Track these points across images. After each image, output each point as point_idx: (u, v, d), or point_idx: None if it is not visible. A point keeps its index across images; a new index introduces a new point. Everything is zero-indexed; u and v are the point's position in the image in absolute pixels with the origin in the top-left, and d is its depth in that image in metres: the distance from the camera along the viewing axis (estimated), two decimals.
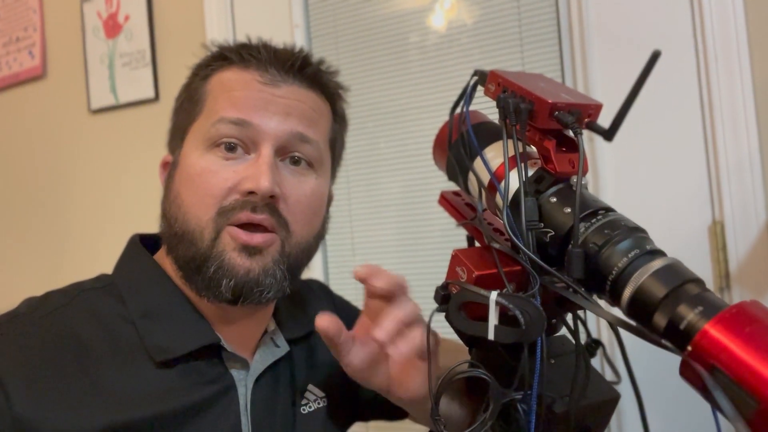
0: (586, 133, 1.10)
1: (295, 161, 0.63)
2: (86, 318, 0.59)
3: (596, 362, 0.99)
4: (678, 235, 1.00)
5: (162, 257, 0.66)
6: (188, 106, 0.66)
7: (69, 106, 1.59)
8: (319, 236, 0.68)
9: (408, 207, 1.24)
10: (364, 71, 1.28)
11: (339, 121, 0.72)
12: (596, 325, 1.02)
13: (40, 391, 0.53)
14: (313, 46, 1.33)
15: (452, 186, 0.62)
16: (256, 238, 0.59)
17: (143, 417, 0.55)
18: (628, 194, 1.04)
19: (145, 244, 0.68)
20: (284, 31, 1.32)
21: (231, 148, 0.61)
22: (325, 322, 0.53)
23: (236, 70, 0.64)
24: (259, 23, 1.35)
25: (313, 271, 1.30)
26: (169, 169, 0.66)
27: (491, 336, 0.43)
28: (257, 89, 0.62)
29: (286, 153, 0.63)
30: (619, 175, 1.05)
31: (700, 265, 0.98)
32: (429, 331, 0.49)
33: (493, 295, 0.42)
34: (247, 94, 0.62)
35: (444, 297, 0.48)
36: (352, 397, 0.74)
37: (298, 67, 0.65)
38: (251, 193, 0.58)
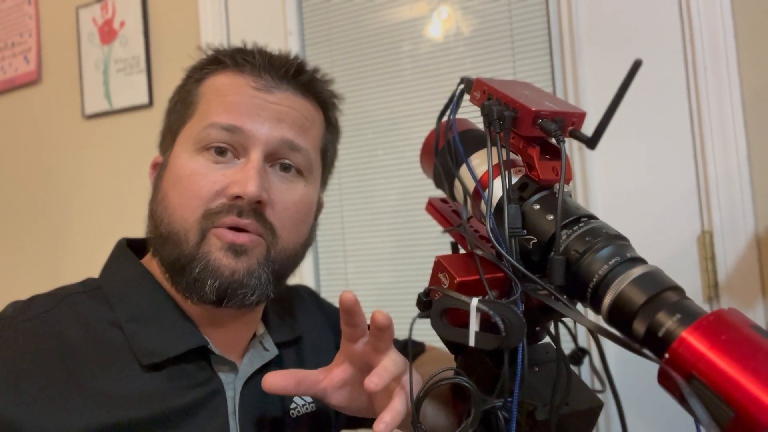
0: (576, 143, 1.11)
1: (285, 168, 0.64)
2: (72, 321, 0.59)
3: (584, 370, 0.99)
4: (667, 245, 1.00)
5: (149, 261, 0.66)
6: (181, 108, 0.66)
7: (63, 111, 1.59)
8: (306, 244, 0.68)
9: (402, 215, 1.25)
10: (358, 79, 1.28)
11: (331, 130, 0.72)
12: (585, 334, 1.02)
13: (24, 394, 0.52)
14: (306, 53, 1.33)
15: (443, 194, 0.62)
16: (242, 238, 0.59)
17: (130, 419, 0.54)
18: (617, 204, 1.04)
19: (133, 248, 0.68)
20: (278, 38, 1.33)
21: (221, 152, 0.61)
22: (270, 383, 0.54)
23: (230, 74, 0.64)
24: (254, 30, 1.36)
25: (305, 278, 1.30)
26: (159, 169, 0.66)
27: (472, 342, 0.43)
28: (250, 95, 0.62)
29: (276, 159, 0.63)
30: (608, 185, 1.05)
31: (689, 275, 0.98)
32: (410, 340, 0.49)
33: (474, 301, 0.42)
34: (239, 100, 0.62)
35: (426, 303, 0.47)
36: None
37: (292, 74, 0.65)
38: (238, 197, 0.59)
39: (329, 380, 0.57)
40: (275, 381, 0.54)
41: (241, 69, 0.64)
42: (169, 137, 0.67)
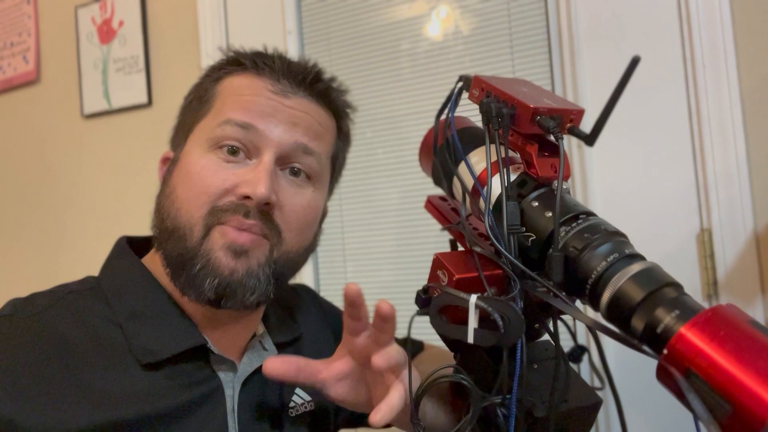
0: (575, 140, 1.11)
1: (295, 172, 0.64)
2: (71, 319, 0.59)
3: (583, 368, 0.99)
4: (666, 243, 1.00)
5: (150, 260, 0.66)
6: (197, 105, 0.67)
7: (62, 110, 1.59)
8: (310, 249, 0.68)
9: (402, 213, 1.25)
10: (357, 78, 1.28)
11: (343, 138, 0.73)
12: (584, 331, 1.02)
13: (24, 392, 0.52)
14: (305, 52, 1.33)
15: (442, 191, 0.62)
16: (243, 237, 0.59)
17: (129, 417, 0.54)
18: (616, 202, 1.04)
19: (133, 247, 0.68)
20: (277, 37, 1.33)
21: (233, 151, 0.61)
22: (271, 368, 0.55)
23: (249, 76, 0.65)
24: (253, 29, 1.36)
25: (304, 277, 1.30)
26: (169, 164, 0.66)
27: (470, 339, 0.43)
28: (267, 96, 0.63)
29: (287, 163, 0.63)
30: (607, 183, 1.05)
31: (688, 273, 0.98)
32: (409, 338, 0.49)
33: (473, 298, 0.42)
34: (256, 100, 0.62)
35: (425, 300, 0.48)
36: None
37: (309, 81, 0.66)
38: (247, 197, 0.59)
39: (329, 372, 0.57)
40: (276, 367, 0.55)
41: (260, 72, 0.65)
42: (181, 133, 0.67)
